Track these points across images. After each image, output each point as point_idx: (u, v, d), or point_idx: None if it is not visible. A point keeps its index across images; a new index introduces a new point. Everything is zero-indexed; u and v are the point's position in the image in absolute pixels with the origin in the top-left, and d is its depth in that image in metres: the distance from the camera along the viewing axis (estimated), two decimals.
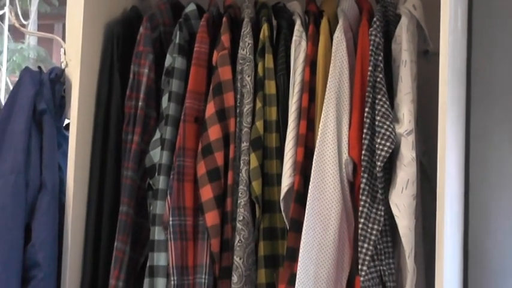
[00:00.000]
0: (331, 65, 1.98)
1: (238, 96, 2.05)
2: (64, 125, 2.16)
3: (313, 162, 1.93)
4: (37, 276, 1.99)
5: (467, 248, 2.24)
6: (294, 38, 2.03)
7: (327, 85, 1.97)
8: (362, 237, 1.88)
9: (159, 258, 2.02)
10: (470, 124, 2.28)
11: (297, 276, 1.88)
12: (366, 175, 1.91)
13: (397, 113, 1.94)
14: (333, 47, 1.99)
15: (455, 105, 2.05)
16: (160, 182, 2.04)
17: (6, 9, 3.90)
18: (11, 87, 2.19)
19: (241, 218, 1.97)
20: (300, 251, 1.89)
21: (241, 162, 2.00)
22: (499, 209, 2.32)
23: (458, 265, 2.12)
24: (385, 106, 1.92)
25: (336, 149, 1.93)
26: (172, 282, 1.98)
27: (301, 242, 1.90)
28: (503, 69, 2.34)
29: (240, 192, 1.99)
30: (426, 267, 2.00)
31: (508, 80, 2.33)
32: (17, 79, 2.15)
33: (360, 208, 1.90)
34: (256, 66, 2.05)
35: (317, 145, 1.94)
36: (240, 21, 2.10)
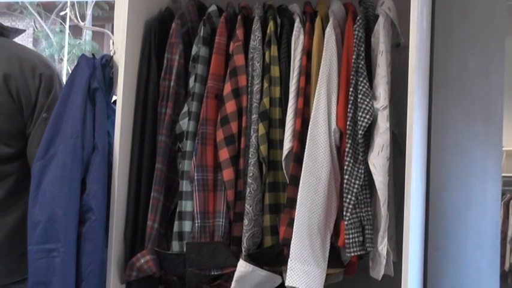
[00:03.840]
0: (323, 54, 1.97)
1: (250, 78, 2.04)
2: (112, 101, 2.14)
3: (309, 131, 1.92)
4: (91, 218, 1.99)
5: (428, 199, 2.23)
6: (294, 32, 2.02)
7: (320, 70, 1.96)
8: (346, 190, 1.88)
9: (186, 205, 2.01)
10: (432, 102, 2.28)
11: (295, 220, 1.88)
12: (350, 141, 1.90)
13: (375, 92, 1.93)
14: (325, 40, 1.98)
15: (421, 86, 2.05)
16: (188, 145, 2.04)
17: (68, 10, 3.91)
18: None
19: (251, 174, 1.96)
20: (297, 200, 1.89)
21: (252, 130, 1.99)
22: (455, 168, 2.31)
23: (421, 212, 2.11)
24: (366, 86, 1.91)
25: (326, 120, 1.93)
26: (196, 225, 1.97)
27: (298, 194, 1.89)
28: (458, 59, 2.35)
29: (250, 154, 1.97)
30: (397, 214, 1.98)
31: (462, 67, 2.33)
32: None
33: (345, 167, 1.89)
34: (264, 54, 2.03)
35: (311, 117, 1.93)
36: (251, 19, 2.09)
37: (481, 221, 2.49)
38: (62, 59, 11.19)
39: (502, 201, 2.56)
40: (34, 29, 12.06)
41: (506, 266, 2.47)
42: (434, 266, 2.21)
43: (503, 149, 2.79)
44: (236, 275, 1.91)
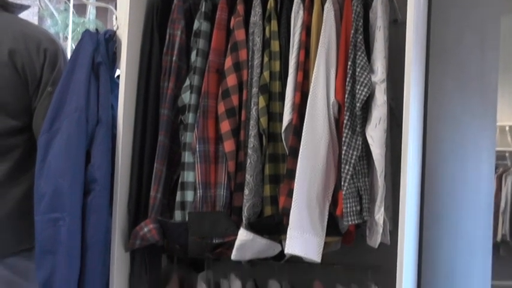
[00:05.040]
0: (322, 29, 1.96)
1: (250, 52, 2.03)
2: (115, 75, 2.14)
3: (308, 104, 1.91)
4: (95, 189, 1.99)
5: (424, 171, 2.24)
6: (293, 8, 2.01)
7: (319, 44, 1.95)
8: (344, 161, 1.88)
9: (189, 176, 2.01)
10: (428, 76, 2.27)
11: (294, 190, 1.88)
12: (348, 113, 1.89)
13: (373, 66, 1.92)
14: (324, 15, 1.97)
15: (418, 61, 2.05)
16: (190, 118, 2.03)
17: None
18: None
19: (252, 145, 1.96)
20: (297, 171, 1.89)
21: (252, 103, 1.99)
22: (451, 141, 2.32)
23: (417, 183, 2.12)
24: (364, 60, 1.90)
25: (325, 93, 1.92)
26: (198, 195, 1.98)
27: (298, 165, 1.89)
28: (454, 35, 2.34)
29: (250, 126, 1.98)
30: (393, 184, 1.99)
31: (458, 42, 2.33)
32: None
33: (343, 139, 1.89)
34: (264, 29, 2.02)
35: (311, 90, 1.92)
36: None
37: (475, 192, 2.50)
38: (66, 37, 11.19)
39: (496, 175, 2.56)
40: (39, 8, 12.03)
41: (499, 237, 2.49)
42: (430, 236, 2.22)
43: (497, 124, 2.79)
44: (237, 243, 1.92)
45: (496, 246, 2.27)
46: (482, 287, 2.30)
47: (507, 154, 3.11)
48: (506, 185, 2.74)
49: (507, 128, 3.36)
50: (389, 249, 1.92)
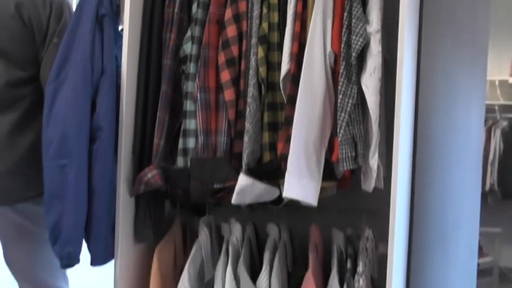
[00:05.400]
0: None
1: (249, 4, 2.00)
2: (120, 29, 2.12)
3: (305, 54, 1.89)
4: (101, 136, 1.99)
5: (417, 120, 2.23)
6: None
7: None
8: (340, 109, 1.86)
9: (190, 124, 2.01)
10: (422, 29, 2.25)
11: (292, 137, 1.87)
12: (344, 63, 1.87)
13: (368, 17, 1.89)
14: None
15: (412, 14, 2.02)
16: (191, 68, 2.02)
17: None
18: None
19: (251, 94, 1.95)
20: (294, 118, 1.88)
21: (251, 53, 1.96)
22: (442, 93, 2.30)
23: (409, 132, 2.11)
24: (360, 11, 1.88)
25: (322, 43, 1.90)
26: (199, 141, 1.97)
27: (295, 112, 1.88)
28: None
29: (250, 76, 1.96)
30: (387, 133, 1.98)
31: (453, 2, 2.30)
32: None
33: (339, 87, 1.87)
34: None
35: (308, 41, 1.90)
36: None
37: (465, 143, 2.50)
38: None
39: (485, 127, 2.56)
40: None
41: (487, 187, 2.49)
42: (422, 182, 2.23)
43: (487, 78, 2.78)
44: (237, 188, 1.92)
45: (485, 195, 2.27)
46: (471, 232, 2.31)
47: (496, 107, 3.10)
48: (495, 137, 2.74)
49: (497, 82, 3.34)
50: (383, 193, 1.92)
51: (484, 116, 2.60)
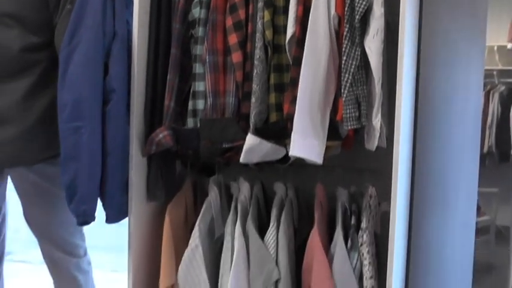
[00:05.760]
0: None
1: None
2: None
3: (310, 17, 1.86)
4: (113, 98, 1.98)
5: (418, 82, 2.20)
6: None
7: None
8: (344, 70, 1.85)
9: (199, 86, 1.99)
10: None
11: (298, 98, 1.85)
12: (347, 26, 1.85)
13: None
14: None
15: None
16: (200, 31, 2.00)
17: None
18: None
19: (258, 56, 1.92)
20: (300, 79, 1.86)
21: (258, 17, 1.93)
22: (443, 56, 2.27)
23: (411, 94, 2.09)
24: None
25: (326, 6, 1.87)
26: (208, 103, 1.96)
27: (301, 74, 1.86)
28: None
29: (256, 38, 1.93)
30: (389, 95, 1.95)
31: None
32: None
33: (343, 49, 1.85)
34: None
35: (312, 4, 1.87)
36: None
37: (465, 106, 2.48)
38: None
39: (483, 92, 2.54)
40: None
41: (485, 149, 2.48)
42: (423, 142, 2.21)
43: (486, 44, 2.75)
44: (245, 147, 1.91)
45: (483, 157, 2.26)
46: (469, 192, 2.30)
47: (495, 72, 3.08)
48: (493, 101, 2.71)
49: (495, 48, 3.31)
50: (386, 152, 1.91)
51: (483, 80, 2.57)
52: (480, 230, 2.14)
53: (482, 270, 2.09)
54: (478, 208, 2.16)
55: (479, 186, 2.43)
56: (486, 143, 2.56)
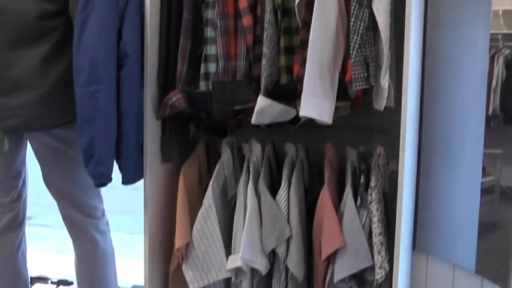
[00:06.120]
0: None
1: None
2: None
3: None
4: (128, 63, 1.96)
5: (424, 45, 2.16)
6: None
7: None
8: (352, 31, 1.81)
9: (211, 49, 1.97)
10: None
11: (307, 59, 1.82)
12: None
13: None
14: None
15: None
16: None
17: None
18: None
19: (268, 20, 1.89)
20: (309, 41, 1.82)
21: None
22: (449, 21, 2.22)
23: (418, 55, 2.05)
24: None
25: None
26: (220, 66, 1.94)
27: (310, 36, 1.82)
28: None
29: (266, 2, 1.90)
30: (397, 56, 1.91)
31: None
32: None
33: (351, 11, 1.82)
34: None
35: None
36: None
37: (471, 67, 2.43)
38: None
39: (489, 56, 2.49)
40: None
41: (490, 112, 2.43)
42: (430, 103, 2.18)
43: (492, 8, 2.68)
44: (256, 109, 1.88)
45: (488, 119, 2.21)
46: (475, 153, 2.26)
47: (499, 36, 3.00)
48: (498, 65, 2.65)
49: (500, 12, 3.23)
50: (394, 112, 1.88)
51: (489, 44, 2.52)
52: (485, 190, 2.11)
53: (487, 228, 2.07)
54: (483, 169, 2.12)
55: (484, 147, 2.39)
56: (491, 105, 2.51)
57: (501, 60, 2.48)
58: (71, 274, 2.37)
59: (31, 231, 2.49)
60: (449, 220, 2.20)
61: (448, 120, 2.24)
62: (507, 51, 2.48)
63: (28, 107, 2.01)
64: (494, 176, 2.16)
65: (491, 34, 2.23)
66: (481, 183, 2.13)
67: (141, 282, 2.17)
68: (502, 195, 2.11)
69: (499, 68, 2.34)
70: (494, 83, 2.39)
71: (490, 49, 2.18)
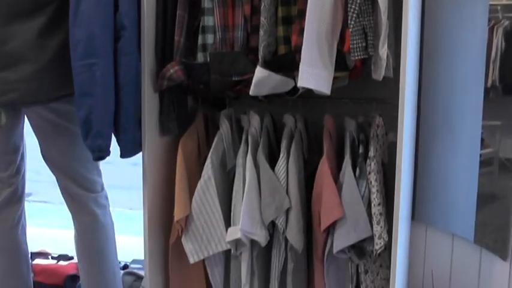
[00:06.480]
0: None
1: None
2: None
3: None
4: (124, 35, 1.94)
5: (423, 15, 2.15)
6: None
7: None
8: (350, 1, 1.80)
9: (208, 20, 1.96)
10: None
11: (305, 29, 1.81)
12: None
13: None
14: None
15: None
16: None
17: None
18: None
19: None
20: (307, 12, 1.81)
21: None
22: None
23: (417, 26, 2.04)
24: None
25: None
26: (218, 37, 1.93)
27: (308, 6, 1.81)
28: None
29: None
30: (395, 24, 1.90)
31: None
32: None
33: None
34: None
35: None
36: None
37: (470, 38, 2.42)
38: None
39: (488, 27, 2.48)
40: None
41: (489, 83, 2.42)
42: (429, 73, 2.19)
43: None
44: (254, 80, 1.88)
45: (487, 91, 2.21)
46: (474, 125, 2.26)
47: (499, 7, 2.99)
48: (497, 36, 2.64)
49: None
50: (392, 83, 1.88)
51: (488, 15, 2.50)
52: (484, 162, 2.11)
53: (485, 200, 2.08)
54: (482, 140, 2.12)
55: (483, 119, 2.39)
56: (490, 77, 2.50)
57: (500, 31, 2.46)
58: (71, 249, 2.37)
59: (31, 208, 2.49)
60: (448, 191, 2.21)
61: (447, 92, 2.23)
62: (506, 23, 2.46)
63: (25, 81, 2.00)
64: (493, 148, 2.16)
65: (491, 5, 2.22)
66: (480, 155, 2.13)
67: (141, 256, 2.18)
68: (501, 167, 2.11)
69: (498, 40, 2.33)
70: (493, 55, 2.38)
71: (489, 20, 2.16)
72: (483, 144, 2.16)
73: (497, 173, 2.12)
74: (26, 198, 2.35)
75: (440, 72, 2.23)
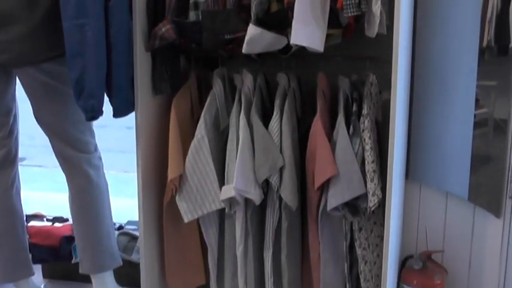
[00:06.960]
0: None
1: None
2: None
3: None
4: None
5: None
6: None
7: None
8: None
9: None
10: None
11: None
12: None
13: None
14: None
15: None
16: None
17: None
18: None
19: None
20: None
21: None
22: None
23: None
24: None
25: None
26: None
27: None
28: None
29: None
30: None
31: None
32: None
33: None
34: None
35: None
36: None
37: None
38: None
39: None
40: None
41: (484, 43, 2.41)
42: (423, 29, 2.18)
43: None
44: (247, 38, 1.87)
45: (482, 51, 2.20)
46: (468, 84, 2.26)
47: None
48: None
49: None
50: (386, 40, 1.87)
51: None
52: (478, 123, 2.11)
53: (479, 160, 2.09)
54: (477, 101, 2.12)
55: (478, 79, 2.39)
56: (485, 37, 2.48)
57: None
58: (66, 212, 2.38)
59: (25, 172, 2.50)
60: (442, 151, 2.22)
61: (442, 52, 2.22)
62: None
63: (16, 42, 1.99)
64: (487, 108, 2.16)
65: None
66: (474, 115, 2.13)
67: (136, 218, 2.19)
68: (495, 128, 2.11)
69: (494, 0, 2.31)
70: (489, 15, 2.36)
71: None
72: (478, 104, 2.16)
73: (491, 133, 2.12)
74: (20, 163, 2.35)
75: (435, 31, 2.22)
